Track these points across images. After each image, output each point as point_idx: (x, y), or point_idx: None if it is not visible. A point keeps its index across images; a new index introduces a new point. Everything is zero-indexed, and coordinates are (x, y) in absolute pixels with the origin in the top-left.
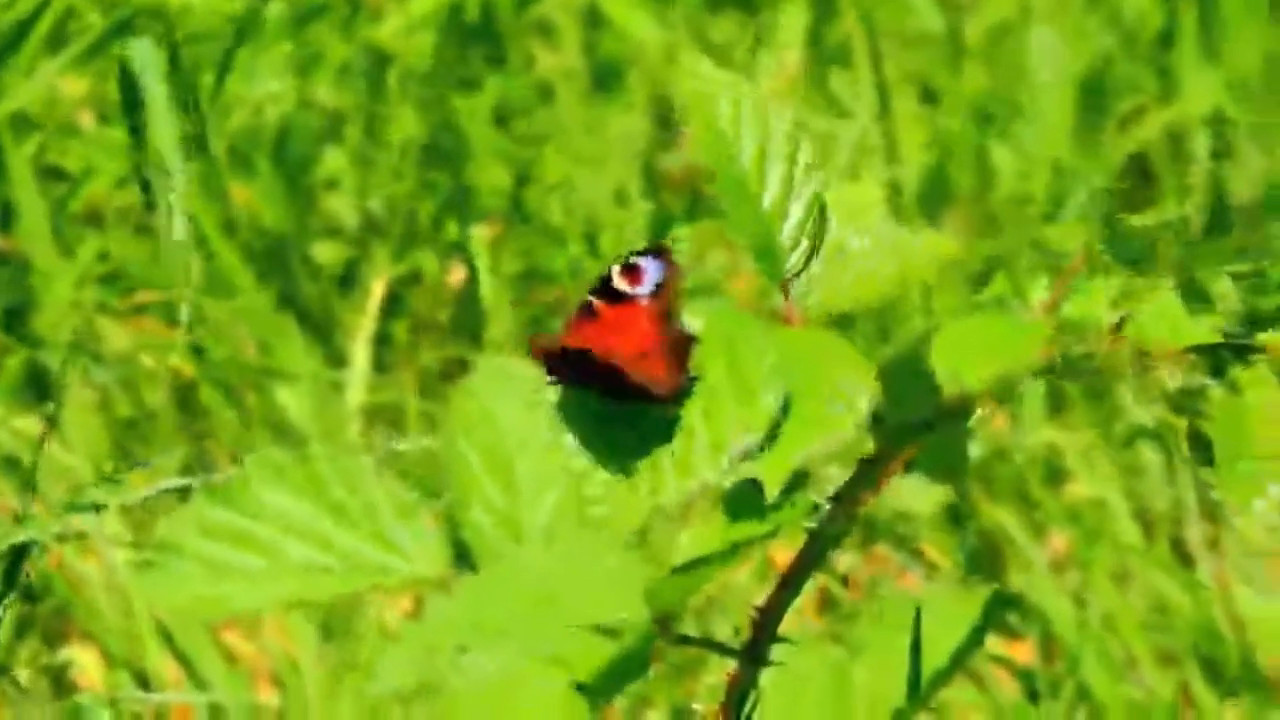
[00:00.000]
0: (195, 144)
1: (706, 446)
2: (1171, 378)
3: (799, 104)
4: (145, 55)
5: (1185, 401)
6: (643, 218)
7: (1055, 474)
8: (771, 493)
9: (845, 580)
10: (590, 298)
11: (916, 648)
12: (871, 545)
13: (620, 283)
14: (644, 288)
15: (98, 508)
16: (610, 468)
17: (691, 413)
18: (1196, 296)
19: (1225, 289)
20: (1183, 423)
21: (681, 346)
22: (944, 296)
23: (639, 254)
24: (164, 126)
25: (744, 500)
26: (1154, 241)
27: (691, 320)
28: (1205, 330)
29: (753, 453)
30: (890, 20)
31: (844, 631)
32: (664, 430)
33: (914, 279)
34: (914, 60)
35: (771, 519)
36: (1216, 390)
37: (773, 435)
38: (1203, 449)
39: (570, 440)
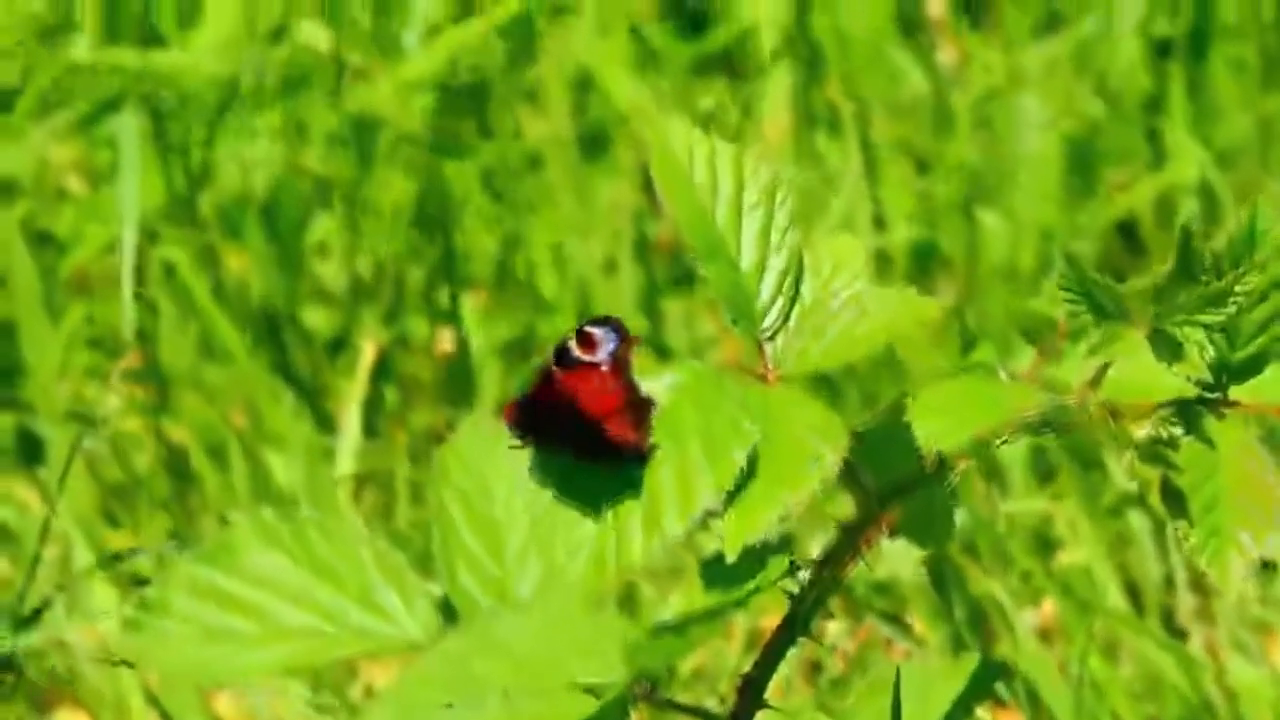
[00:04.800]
0: (183, 210)
1: (675, 506)
2: (1143, 429)
3: (787, 168)
4: (131, 123)
5: (1157, 453)
6: (631, 284)
7: (1044, 543)
8: (732, 553)
9: (833, 651)
10: (550, 365)
11: (897, 716)
12: (859, 615)
13: (577, 351)
14: (599, 355)
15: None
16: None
17: (661, 472)
18: (1168, 348)
19: (1197, 339)
20: (1154, 474)
21: (641, 409)
22: (930, 362)
23: (592, 324)
24: (149, 192)
25: (722, 566)
26: (1126, 295)
27: (650, 384)
28: (1178, 383)
29: (720, 512)
30: (878, 86)
31: (832, 701)
32: (633, 490)
33: (894, 339)
34: (902, 126)
35: (747, 584)
36: (1189, 442)
37: (739, 495)
38: (1175, 500)
39: (542, 499)
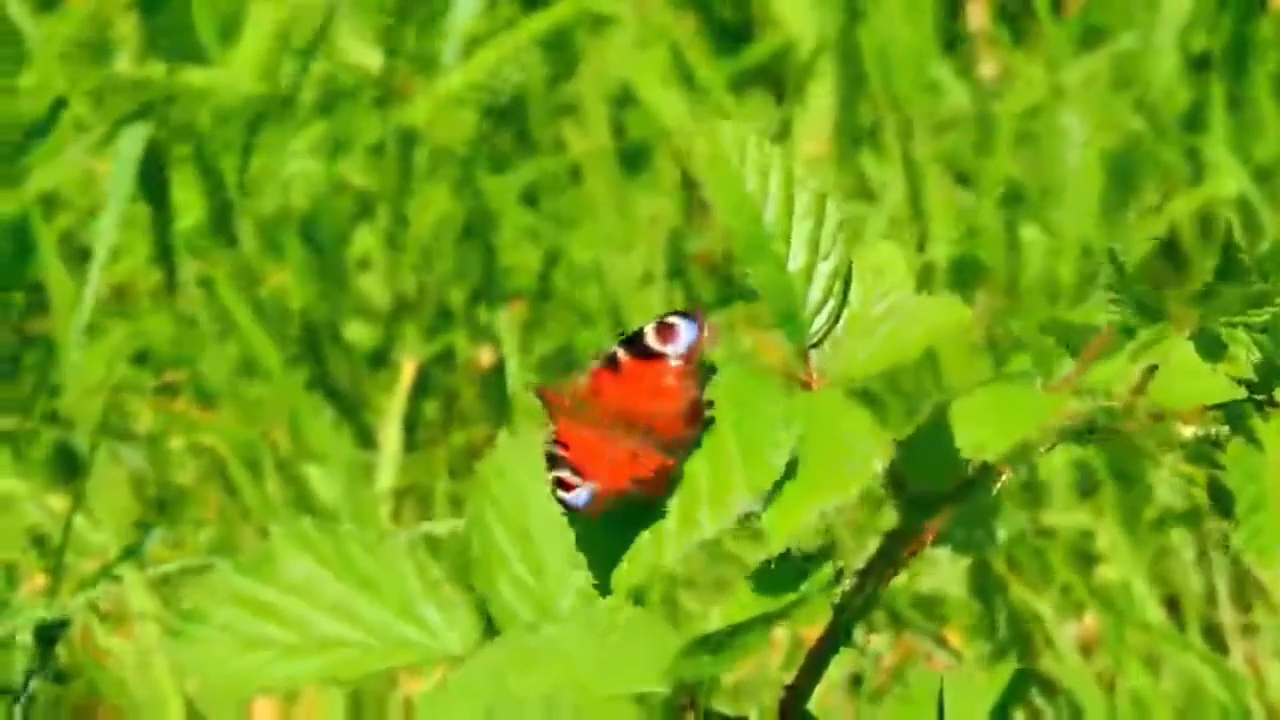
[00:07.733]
0: (223, 224)
1: (709, 503)
2: (1189, 430)
3: (829, 184)
4: (137, 135)
5: (1204, 453)
6: (670, 299)
7: (1085, 556)
8: (776, 546)
9: (875, 663)
10: (617, 348)
11: None
12: (900, 630)
13: (653, 340)
14: (675, 347)
15: (119, 576)
16: (616, 531)
17: (697, 469)
18: (1213, 348)
19: (1244, 340)
20: (1201, 474)
21: (699, 411)
22: (970, 374)
23: (675, 314)
24: (187, 208)
25: (768, 575)
26: (1169, 298)
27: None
28: (1223, 384)
29: (757, 511)
30: (920, 101)
31: (872, 712)
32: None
33: (936, 344)
34: (944, 142)
35: (794, 591)
36: (1235, 442)
37: (778, 492)
38: (1221, 500)
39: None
